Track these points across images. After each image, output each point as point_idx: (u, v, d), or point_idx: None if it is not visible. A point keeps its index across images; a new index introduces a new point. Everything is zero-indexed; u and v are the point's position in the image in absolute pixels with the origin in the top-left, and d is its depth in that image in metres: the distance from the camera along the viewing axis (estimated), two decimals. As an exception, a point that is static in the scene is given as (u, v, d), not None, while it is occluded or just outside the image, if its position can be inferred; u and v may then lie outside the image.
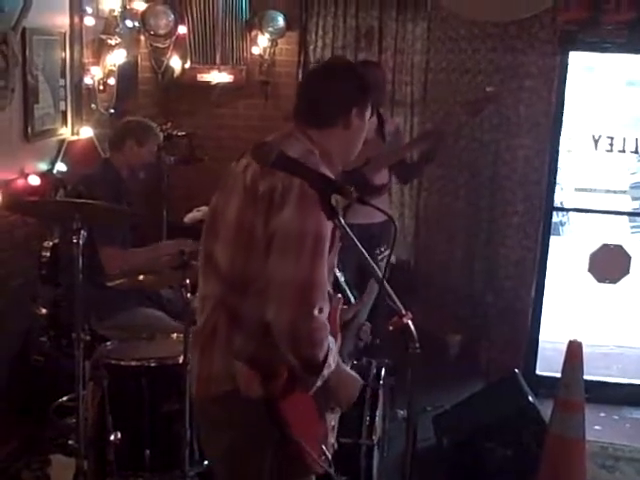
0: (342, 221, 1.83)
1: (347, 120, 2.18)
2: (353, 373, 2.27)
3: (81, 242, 2.86)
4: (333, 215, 1.83)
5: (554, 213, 5.38)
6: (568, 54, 4.73)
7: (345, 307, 2.46)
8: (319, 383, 2.02)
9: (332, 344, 2.05)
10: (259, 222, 1.99)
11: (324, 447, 2.20)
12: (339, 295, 2.28)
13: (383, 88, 4.60)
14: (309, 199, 1.92)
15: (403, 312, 1.78)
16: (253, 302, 2.01)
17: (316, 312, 1.95)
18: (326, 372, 2.01)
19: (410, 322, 1.81)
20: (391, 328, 1.79)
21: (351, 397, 2.23)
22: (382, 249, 2.65)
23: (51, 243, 3.89)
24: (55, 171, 4.31)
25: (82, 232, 2.86)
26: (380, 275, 1.84)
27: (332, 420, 2.31)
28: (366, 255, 1.78)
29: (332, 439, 2.32)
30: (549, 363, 4.96)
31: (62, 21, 4.34)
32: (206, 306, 2.14)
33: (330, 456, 2.23)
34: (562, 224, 10.82)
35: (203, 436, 2.29)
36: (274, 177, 1.98)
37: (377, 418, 3.30)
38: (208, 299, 2.14)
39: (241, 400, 2.02)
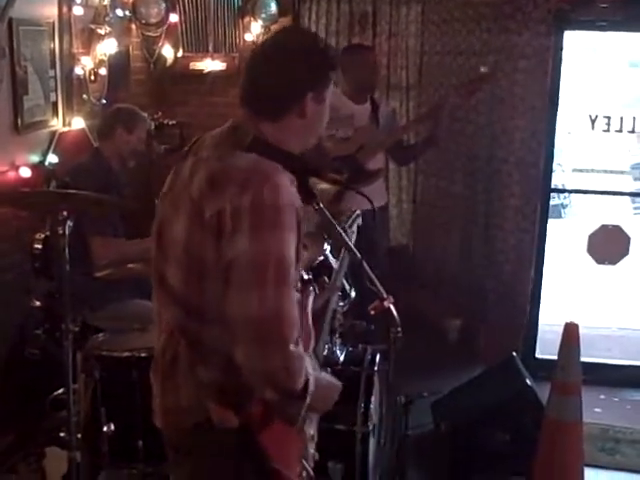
0: (321, 204, 1.78)
1: (302, 108, 1.90)
2: (330, 379, 2.12)
3: (67, 232, 2.83)
4: (311, 199, 1.77)
5: (555, 195, 5.34)
6: (563, 34, 4.67)
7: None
8: (303, 413, 1.87)
9: (310, 368, 1.86)
10: (210, 249, 1.77)
11: (304, 462, 2.10)
12: (306, 277, 2.13)
13: (375, 72, 4.56)
14: (265, 216, 1.73)
15: (384, 296, 1.74)
16: (214, 331, 1.82)
17: (292, 347, 1.75)
18: (308, 399, 1.85)
19: (392, 306, 1.76)
20: (372, 312, 1.74)
21: (328, 405, 2.08)
22: (353, 211, 2.59)
23: (43, 235, 3.85)
24: (47, 163, 4.29)
25: (68, 222, 2.83)
26: (359, 257, 1.79)
27: (311, 430, 2.20)
28: (347, 239, 1.75)
29: (312, 449, 2.19)
30: (549, 346, 4.92)
31: (50, 11, 4.31)
32: (163, 330, 1.94)
33: (311, 470, 2.14)
34: (564, 206, 10.76)
35: (172, 463, 2.08)
36: (221, 197, 1.75)
37: (372, 405, 3.28)
38: (164, 322, 1.94)
39: (215, 431, 1.86)
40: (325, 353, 2.97)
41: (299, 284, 1.99)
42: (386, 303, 1.74)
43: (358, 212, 2.75)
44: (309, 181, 1.76)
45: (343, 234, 1.78)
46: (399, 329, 1.73)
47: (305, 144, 2.00)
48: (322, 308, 2.22)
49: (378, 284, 1.74)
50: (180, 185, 1.90)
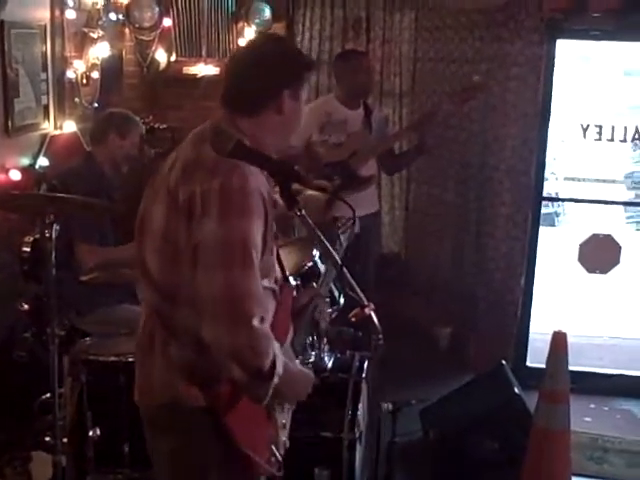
0: (302, 211, 1.79)
1: (279, 104, 2.00)
2: (303, 369, 2.18)
3: (54, 236, 2.82)
4: (293, 204, 1.78)
5: (548, 203, 5.36)
6: (555, 42, 4.68)
7: (297, 293, 2.34)
8: (270, 392, 1.91)
9: (277, 350, 1.92)
10: (182, 233, 1.87)
11: (274, 448, 2.13)
12: (294, 283, 2.18)
13: (367, 76, 4.56)
14: (232, 200, 1.82)
15: (365, 303, 1.74)
16: (185, 312, 1.92)
17: (256, 323, 1.82)
18: (276, 379, 1.90)
19: (372, 313, 1.77)
20: (353, 319, 1.74)
21: (302, 394, 2.14)
22: (344, 221, 2.60)
23: (32, 238, 3.84)
24: (37, 166, 4.28)
25: (55, 226, 2.82)
26: (339, 263, 1.80)
27: (283, 418, 2.22)
28: (328, 245, 1.75)
29: (283, 437, 2.23)
30: (540, 355, 4.92)
31: (42, 14, 4.31)
32: (144, 311, 2.08)
33: (280, 457, 2.16)
34: (557, 215, 10.77)
35: (148, 441, 2.16)
36: (193, 181, 1.86)
37: (359, 412, 3.26)
38: (145, 304, 2.08)
39: (184, 409, 1.95)
40: (313, 359, 2.96)
41: (276, 278, 2.07)
42: (367, 310, 1.74)
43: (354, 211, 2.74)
44: (291, 187, 1.77)
45: (325, 241, 1.77)
46: (380, 336, 1.72)
47: (282, 142, 2.11)
48: (304, 306, 2.23)
49: (359, 291, 1.74)
50: (159, 180, 2.01)
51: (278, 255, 2.09)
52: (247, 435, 1.97)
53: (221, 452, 1.96)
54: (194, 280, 1.85)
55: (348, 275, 1.76)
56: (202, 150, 1.93)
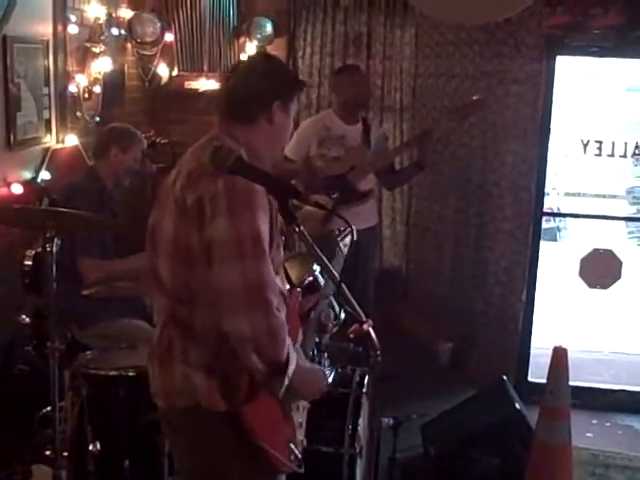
0: (301, 227, 1.80)
1: (269, 114, 2.16)
2: (315, 366, 2.31)
3: (54, 250, 2.83)
4: (292, 221, 1.80)
5: (550, 218, 5.36)
6: (555, 59, 4.71)
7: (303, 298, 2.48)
8: (287, 382, 2.00)
9: (291, 344, 2.03)
10: (193, 235, 1.97)
11: (292, 446, 2.20)
12: (299, 289, 2.26)
13: (362, 90, 4.59)
14: (239, 198, 1.92)
15: (363, 319, 1.74)
16: (203, 314, 2.00)
17: (274, 309, 1.93)
18: (290, 370, 2.00)
19: (371, 329, 1.77)
20: (351, 336, 1.75)
21: (316, 391, 2.22)
22: (342, 229, 2.65)
23: (33, 252, 3.85)
24: (39, 180, 4.28)
25: (56, 240, 2.83)
26: (337, 279, 1.81)
27: (299, 418, 2.31)
28: (325, 260, 1.75)
29: (300, 436, 2.32)
30: (542, 370, 4.92)
31: (45, 29, 4.33)
32: (159, 320, 2.15)
33: (299, 454, 2.23)
34: (559, 230, 10.78)
35: (170, 445, 2.31)
36: (199, 186, 1.96)
37: (360, 427, 3.26)
38: (160, 313, 2.15)
39: (204, 414, 2.01)
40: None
41: (282, 278, 2.16)
42: (365, 326, 1.74)
43: (353, 227, 2.77)
44: (289, 203, 1.81)
45: (323, 257, 1.79)
46: (378, 352, 1.73)
47: (273, 151, 2.28)
48: (310, 309, 2.36)
49: (357, 307, 1.74)
50: (164, 193, 2.11)
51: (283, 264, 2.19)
52: (267, 433, 2.04)
53: (243, 452, 2.03)
54: (210, 277, 1.94)
55: (346, 291, 1.76)
56: (203, 158, 2.01)
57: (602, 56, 4.80)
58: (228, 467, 2.06)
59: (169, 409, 2.14)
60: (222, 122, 2.18)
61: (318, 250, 1.79)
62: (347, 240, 2.84)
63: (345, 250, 2.78)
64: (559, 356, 3.53)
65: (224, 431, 2.01)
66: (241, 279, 1.90)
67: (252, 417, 2.00)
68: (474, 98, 4.49)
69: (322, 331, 2.59)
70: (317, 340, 2.75)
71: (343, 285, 1.78)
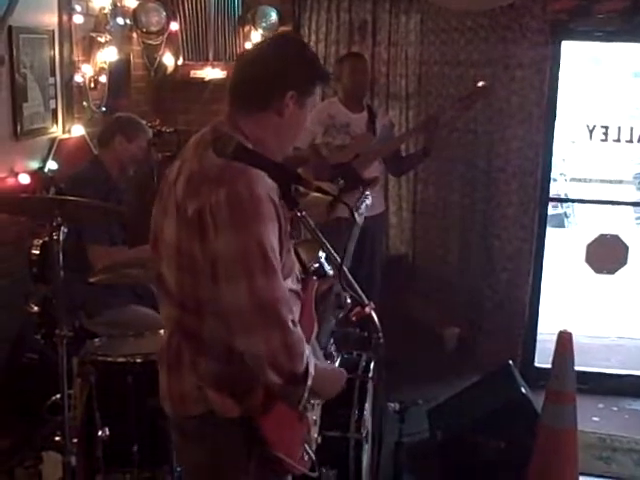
0: (303, 212, 1.79)
1: (280, 105, 1.91)
2: (333, 367, 2.22)
3: (61, 239, 2.85)
4: (294, 206, 1.78)
5: (558, 204, 5.36)
6: (560, 44, 4.71)
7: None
8: (306, 395, 1.91)
9: (308, 351, 1.92)
10: (196, 246, 1.84)
11: (306, 446, 2.14)
12: (315, 277, 2.16)
13: (362, 78, 4.61)
14: (242, 208, 1.77)
15: (365, 302, 1.75)
16: (212, 324, 1.89)
17: (290, 326, 1.82)
18: (310, 381, 1.90)
19: (372, 312, 1.78)
20: (354, 319, 1.76)
21: (335, 392, 2.13)
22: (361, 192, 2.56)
23: (41, 241, 3.88)
24: (46, 170, 4.31)
25: (63, 229, 2.85)
26: (339, 262, 1.81)
27: (314, 415, 2.25)
28: (328, 246, 1.76)
29: (315, 434, 2.25)
30: (549, 356, 4.93)
31: (50, 20, 4.34)
32: (167, 327, 2.06)
33: (313, 455, 2.17)
34: (566, 216, 10.76)
35: (178, 447, 2.18)
36: (200, 193, 1.82)
37: (366, 412, 3.28)
38: (167, 321, 2.04)
39: (218, 421, 1.93)
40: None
41: (298, 275, 2.04)
42: (367, 309, 1.75)
43: (367, 192, 2.75)
44: (291, 188, 1.78)
45: (326, 243, 1.79)
46: (380, 335, 1.74)
47: (282, 147, 2.01)
48: (325, 294, 2.22)
49: (359, 290, 1.75)
50: (167, 190, 1.97)
51: (295, 250, 2.06)
52: (281, 439, 1.97)
53: (255, 458, 1.96)
54: (218, 294, 1.82)
55: (348, 274, 1.77)
56: (204, 158, 1.90)
57: (607, 41, 4.80)
58: (241, 471, 1.99)
59: (182, 416, 2.04)
60: (229, 111, 1.98)
61: (321, 235, 1.79)
62: (363, 208, 2.77)
63: (361, 220, 2.70)
64: (564, 340, 3.54)
65: (238, 437, 1.93)
66: (251, 298, 1.78)
67: (267, 425, 1.94)
68: (479, 85, 4.48)
69: (340, 307, 2.52)
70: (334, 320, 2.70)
71: (345, 268, 1.77)
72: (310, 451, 2.15)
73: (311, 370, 1.89)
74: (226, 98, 1.98)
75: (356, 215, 2.53)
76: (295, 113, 1.94)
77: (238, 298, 1.78)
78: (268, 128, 1.94)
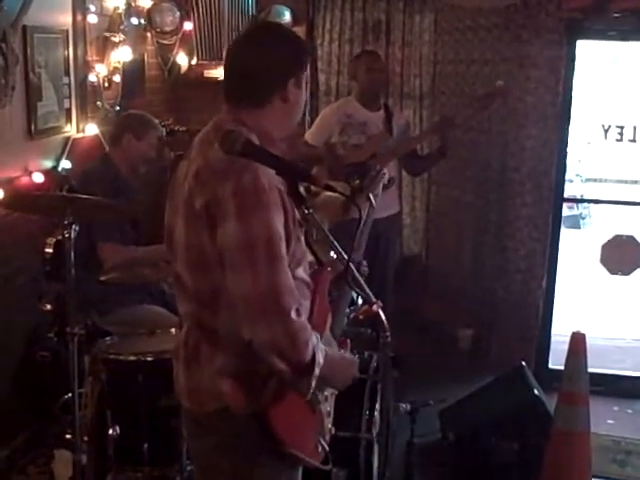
0: (310, 210, 1.79)
1: (284, 93, 1.98)
2: (345, 354, 2.20)
3: (72, 236, 2.86)
4: (301, 203, 1.78)
5: (574, 205, 5.32)
6: (575, 43, 4.68)
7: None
8: (314, 384, 1.92)
9: (317, 340, 1.93)
10: (205, 239, 1.88)
11: (320, 438, 2.16)
12: (329, 268, 2.13)
13: (381, 77, 4.60)
14: (247, 198, 1.81)
15: (373, 300, 1.74)
16: (227, 316, 1.92)
17: (293, 315, 1.84)
18: (317, 370, 1.91)
19: (380, 310, 1.77)
20: (361, 317, 1.75)
21: (347, 380, 2.13)
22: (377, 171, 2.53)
23: (54, 240, 3.89)
24: (60, 168, 4.32)
25: (74, 227, 2.86)
26: (347, 260, 1.79)
27: (327, 407, 2.24)
28: (336, 245, 1.75)
29: (329, 424, 2.25)
30: (562, 357, 4.89)
31: (64, 19, 4.35)
32: (184, 324, 2.09)
33: (327, 446, 2.18)
34: (582, 217, 10.69)
35: (192, 441, 2.21)
36: (206, 188, 1.86)
37: (377, 412, 3.27)
38: (185, 317, 2.08)
39: (233, 417, 1.95)
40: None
41: (307, 266, 2.05)
42: (375, 307, 1.74)
43: (384, 171, 2.72)
44: (299, 185, 1.78)
45: (334, 241, 1.78)
46: (388, 334, 1.73)
47: (286, 129, 2.08)
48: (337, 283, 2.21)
49: (366, 288, 1.74)
50: (176, 190, 2.02)
51: (308, 240, 2.07)
52: (293, 434, 1.98)
53: (267, 452, 1.98)
54: (227, 284, 1.86)
55: (355, 271, 1.76)
56: (210, 154, 1.94)
57: (622, 40, 4.76)
58: (255, 465, 2.01)
59: (198, 410, 2.06)
60: (229, 108, 2.02)
61: (328, 233, 1.78)
62: (379, 189, 2.71)
63: (377, 199, 2.64)
64: (577, 341, 3.51)
65: (252, 433, 1.94)
66: (254, 286, 1.81)
67: (280, 421, 1.94)
68: (497, 84, 4.45)
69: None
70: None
71: (352, 265, 1.76)
72: (324, 442, 2.16)
73: (319, 359, 1.90)
74: (223, 96, 2.02)
75: (371, 197, 2.48)
76: (297, 94, 2.02)
77: (241, 287, 1.83)
78: (274, 117, 2.00)
